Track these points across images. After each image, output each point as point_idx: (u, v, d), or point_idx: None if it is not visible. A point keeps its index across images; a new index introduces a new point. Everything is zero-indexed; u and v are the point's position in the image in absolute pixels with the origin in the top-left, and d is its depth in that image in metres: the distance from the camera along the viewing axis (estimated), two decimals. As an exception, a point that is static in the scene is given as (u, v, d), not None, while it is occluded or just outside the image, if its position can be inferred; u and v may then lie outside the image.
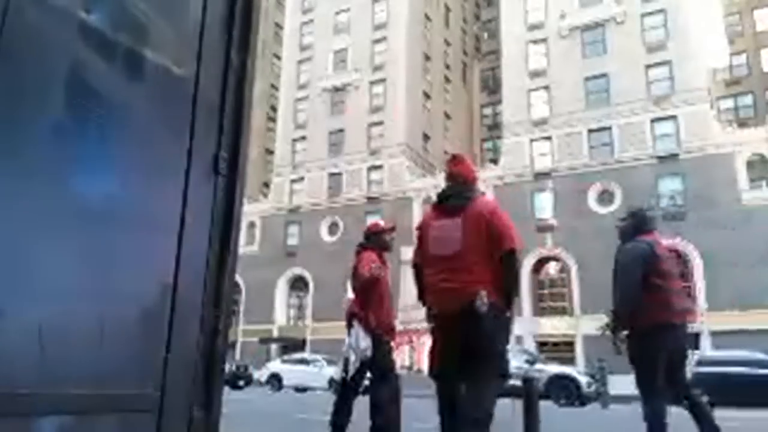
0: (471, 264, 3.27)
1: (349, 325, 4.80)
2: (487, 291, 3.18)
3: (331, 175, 44.30)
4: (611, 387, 16.49)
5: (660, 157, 33.26)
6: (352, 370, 4.67)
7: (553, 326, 33.54)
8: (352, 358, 4.65)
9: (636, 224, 4.69)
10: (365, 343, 4.62)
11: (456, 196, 3.51)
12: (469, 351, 3.22)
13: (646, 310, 4.24)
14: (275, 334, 42.53)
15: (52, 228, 1.31)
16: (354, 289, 4.95)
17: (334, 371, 24.63)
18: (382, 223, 5.36)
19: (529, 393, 4.71)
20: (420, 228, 3.67)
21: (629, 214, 4.87)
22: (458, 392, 3.30)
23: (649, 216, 4.79)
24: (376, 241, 5.04)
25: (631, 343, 4.37)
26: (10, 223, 1.22)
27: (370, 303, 4.73)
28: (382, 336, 4.74)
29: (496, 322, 3.23)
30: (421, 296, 3.66)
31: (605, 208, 33.32)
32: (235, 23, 1.88)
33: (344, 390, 4.79)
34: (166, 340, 1.56)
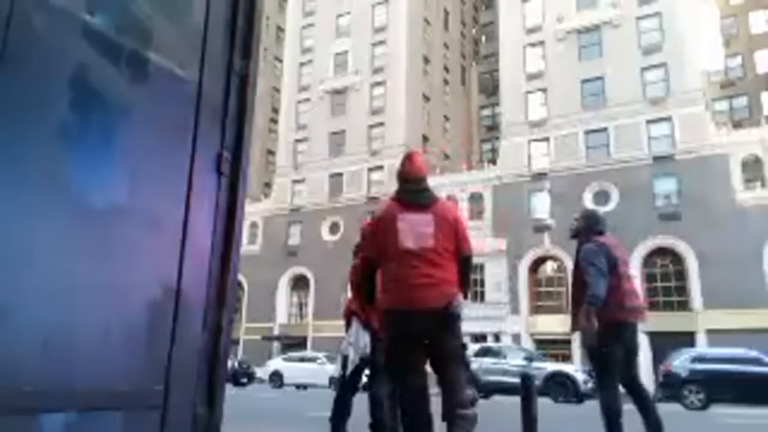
0: (444, 261, 3.31)
1: (348, 323, 4.83)
2: (455, 292, 3.29)
3: (332, 175, 44.64)
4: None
5: (656, 158, 33.61)
6: (350, 368, 4.68)
7: (551, 324, 33.94)
8: (351, 355, 4.66)
9: (588, 225, 4.80)
10: (364, 340, 4.63)
11: (423, 192, 3.47)
12: (440, 349, 3.29)
13: (604, 308, 4.35)
14: (277, 332, 42.90)
15: (57, 227, 1.32)
16: (354, 289, 4.85)
17: (333, 369, 25.02)
18: None
19: (528, 390, 4.72)
20: (381, 220, 3.48)
21: (582, 215, 4.98)
22: (425, 386, 3.33)
23: (602, 217, 4.91)
24: None
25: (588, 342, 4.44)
26: (17, 223, 1.23)
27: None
28: (381, 334, 4.70)
29: (459, 322, 3.35)
30: (372, 292, 3.61)
31: (602, 208, 33.70)
32: (237, 26, 1.91)
33: (343, 387, 4.82)
34: (170, 338, 1.57)
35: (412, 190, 3.47)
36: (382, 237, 3.41)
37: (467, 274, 3.45)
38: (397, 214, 3.40)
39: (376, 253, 3.47)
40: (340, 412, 4.70)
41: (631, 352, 4.55)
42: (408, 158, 3.58)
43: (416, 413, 3.26)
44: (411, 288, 3.25)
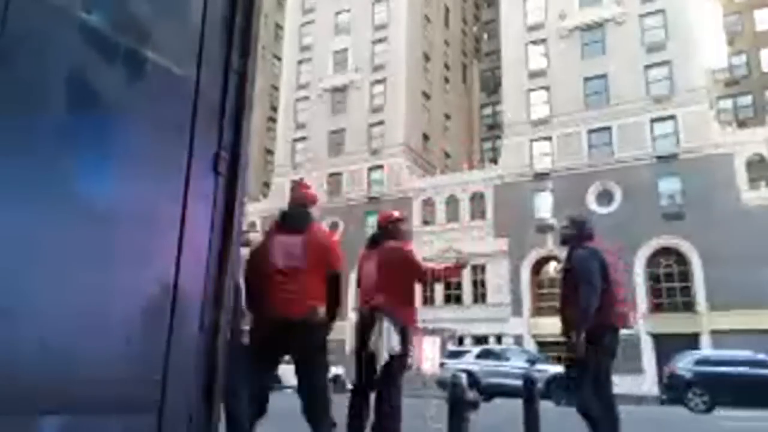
0: (309, 279, 3.91)
1: (372, 319, 4.39)
2: (318, 305, 3.92)
3: (332, 175, 44.40)
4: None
5: (659, 157, 33.34)
6: (381, 363, 4.27)
7: (553, 326, 33.63)
8: (385, 353, 4.26)
9: (578, 231, 4.84)
10: (395, 338, 4.30)
11: (298, 217, 4.12)
12: (301, 354, 3.96)
13: (595, 313, 4.41)
14: (276, 333, 42.66)
15: (54, 227, 1.32)
16: (382, 282, 4.46)
17: (333, 370, 24.81)
18: (396, 213, 5.06)
19: (530, 393, 4.80)
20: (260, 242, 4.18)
21: (570, 221, 4.99)
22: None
23: (591, 222, 4.94)
24: (394, 231, 4.76)
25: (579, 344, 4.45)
26: (13, 222, 1.23)
27: (404, 297, 4.54)
28: (410, 332, 4.51)
29: (324, 331, 4.01)
30: (252, 303, 4.06)
31: (605, 208, 33.41)
32: (235, 24, 1.89)
33: (360, 389, 4.51)
34: (166, 340, 1.56)
35: (288, 215, 4.18)
36: (260, 256, 4.04)
37: (333, 290, 4.05)
38: (274, 236, 4.07)
39: (250, 272, 4.05)
40: (361, 416, 4.37)
41: (610, 357, 4.60)
42: (295, 185, 4.45)
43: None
44: (280, 302, 3.85)
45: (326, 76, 46.76)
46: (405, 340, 4.40)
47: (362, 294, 4.66)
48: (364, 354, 4.37)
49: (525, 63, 39.32)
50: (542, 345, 33.48)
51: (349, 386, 4.88)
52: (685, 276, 31.82)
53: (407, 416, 4.80)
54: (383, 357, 4.25)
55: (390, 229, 4.77)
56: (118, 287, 1.46)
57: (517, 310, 34.95)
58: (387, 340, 4.29)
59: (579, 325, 4.43)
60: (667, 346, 26.79)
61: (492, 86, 49.81)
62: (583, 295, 4.43)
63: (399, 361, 4.37)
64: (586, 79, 36.76)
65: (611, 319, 4.50)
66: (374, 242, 4.79)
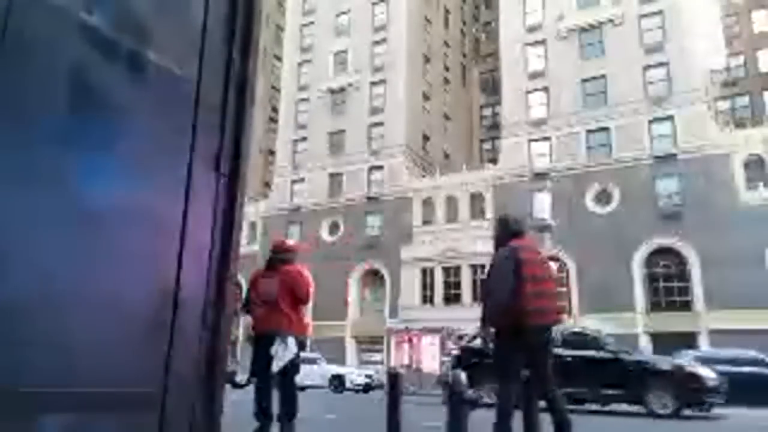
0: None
1: (274, 332, 5.52)
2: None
3: (332, 175, 44.50)
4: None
5: (657, 158, 33.48)
6: (280, 367, 5.49)
7: (552, 325, 33.72)
8: (285, 359, 5.48)
9: (503, 231, 4.97)
10: (295, 347, 5.49)
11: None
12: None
13: (506, 313, 4.54)
14: (276, 333, 42.66)
15: (54, 227, 1.32)
16: (290, 300, 5.64)
17: (333, 369, 25.16)
18: (289, 241, 6.50)
19: (530, 393, 4.78)
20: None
21: (498, 222, 5.19)
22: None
23: (515, 221, 5.04)
24: (292, 258, 5.91)
25: (494, 341, 4.67)
26: (14, 223, 1.23)
27: (301, 314, 5.86)
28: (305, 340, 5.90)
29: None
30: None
31: (603, 209, 33.61)
32: (236, 24, 1.90)
33: (268, 383, 5.84)
34: (168, 339, 1.57)
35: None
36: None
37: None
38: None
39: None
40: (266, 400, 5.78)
41: (538, 354, 4.60)
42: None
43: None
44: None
45: (326, 77, 46.87)
46: (302, 346, 5.73)
47: (264, 312, 5.70)
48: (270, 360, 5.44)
49: (524, 64, 39.44)
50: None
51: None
52: (683, 275, 31.98)
53: (407, 415, 5.14)
54: (282, 361, 5.42)
55: (289, 256, 5.89)
56: (119, 287, 1.46)
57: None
58: (286, 350, 5.48)
59: (487, 320, 4.67)
60: (665, 344, 26.95)
61: (491, 87, 49.91)
62: (493, 289, 4.67)
63: (295, 364, 5.62)
64: (585, 80, 36.89)
65: (524, 318, 4.52)
66: (271, 266, 5.82)
